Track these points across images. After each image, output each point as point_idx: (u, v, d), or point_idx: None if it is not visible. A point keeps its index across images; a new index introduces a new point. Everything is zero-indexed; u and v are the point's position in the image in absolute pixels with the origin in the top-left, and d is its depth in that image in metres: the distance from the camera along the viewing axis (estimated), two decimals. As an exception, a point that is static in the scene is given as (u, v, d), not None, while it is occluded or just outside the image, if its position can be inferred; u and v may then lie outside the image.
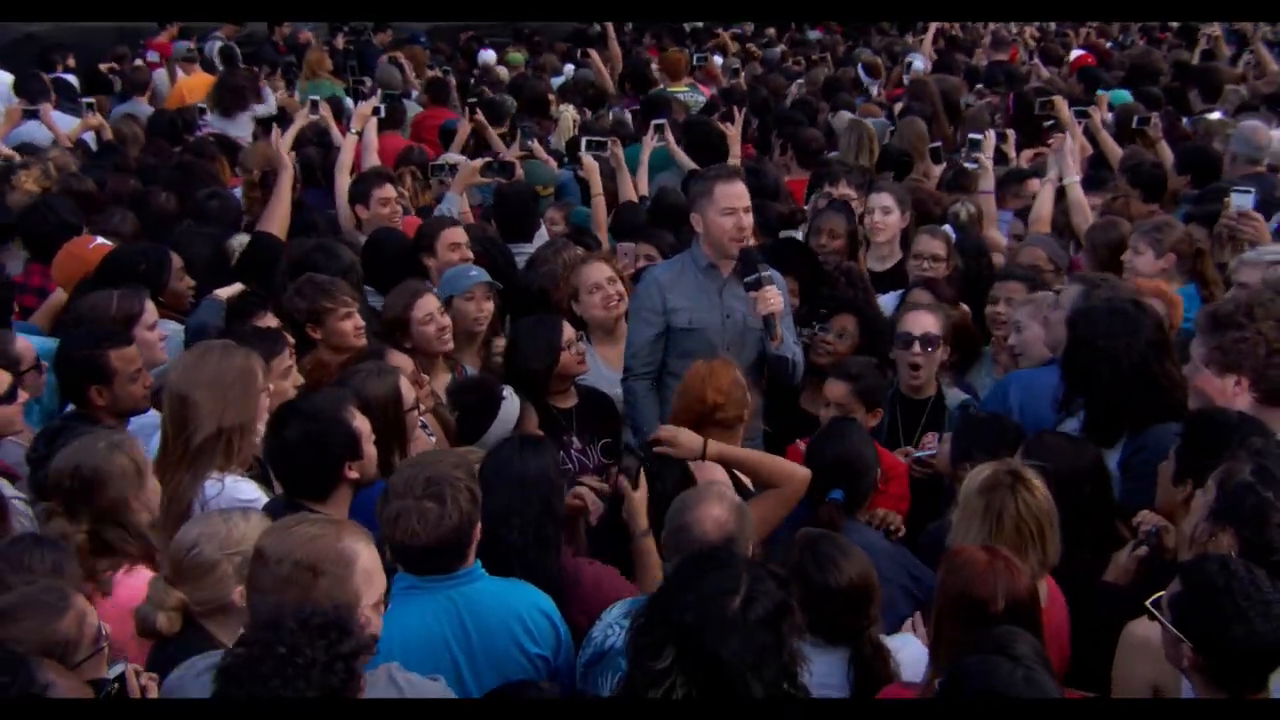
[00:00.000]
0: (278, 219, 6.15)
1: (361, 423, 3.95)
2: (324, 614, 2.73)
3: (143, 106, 11.61)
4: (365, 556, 3.10)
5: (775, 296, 5.10)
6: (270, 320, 4.97)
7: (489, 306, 5.69)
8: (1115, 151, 8.45)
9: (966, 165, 7.57)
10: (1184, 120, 10.15)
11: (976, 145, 7.52)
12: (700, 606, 2.92)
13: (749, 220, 5.27)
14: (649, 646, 2.93)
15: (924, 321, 5.28)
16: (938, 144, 9.16)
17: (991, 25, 15.85)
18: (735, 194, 5.25)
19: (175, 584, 3.39)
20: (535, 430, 4.76)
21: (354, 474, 3.90)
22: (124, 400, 4.53)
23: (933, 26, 14.68)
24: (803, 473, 4.34)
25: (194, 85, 12.15)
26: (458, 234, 6.23)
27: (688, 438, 4.34)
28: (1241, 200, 5.99)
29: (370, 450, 3.96)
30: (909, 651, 3.64)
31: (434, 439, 4.96)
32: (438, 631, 3.50)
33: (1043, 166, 7.90)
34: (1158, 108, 9.75)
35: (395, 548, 3.47)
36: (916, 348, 5.23)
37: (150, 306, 5.01)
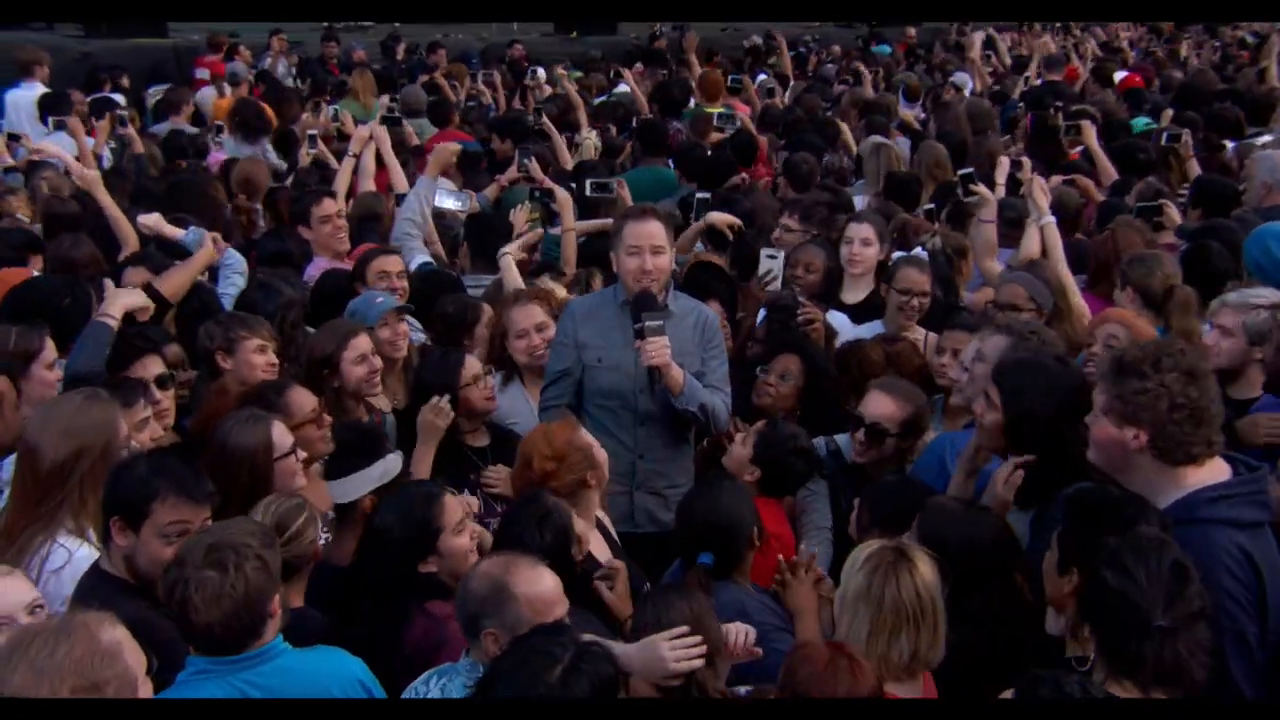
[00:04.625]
0: (175, 281, 5.77)
1: (162, 511, 3.59)
2: None
3: (181, 126, 11.69)
4: (119, 633, 2.87)
5: (657, 348, 4.79)
6: (155, 366, 4.75)
7: (404, 330, 5.53)
8: (1109, 172, 8.11)
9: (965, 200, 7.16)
10: (1230, 145, 9.59)
11: (968, 180, 7.10)
12: (518, 673, 2.96)
13: (657, 261, 4.98)
14: None
15: (879, 406, 4.87)
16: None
17: (1045, 43, 15.30)
18: (642, 233, 4.99)
19: None
20: None
21: (121, 540, 3.63)
22: None
23: (977, 43, 14.15)
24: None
25: (226, 106, 12.16)
26: (387, 263, 6.06)
27: None
28: None
29: (151, 541, 3.61)
30: None
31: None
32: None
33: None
34: (1195, 131, 9.24)
35: (178, 625, 3.23)
36: (860, 435, 4.88)
37: (50, 345, 4.80)
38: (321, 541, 4.31)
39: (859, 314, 6.35)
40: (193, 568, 3.18)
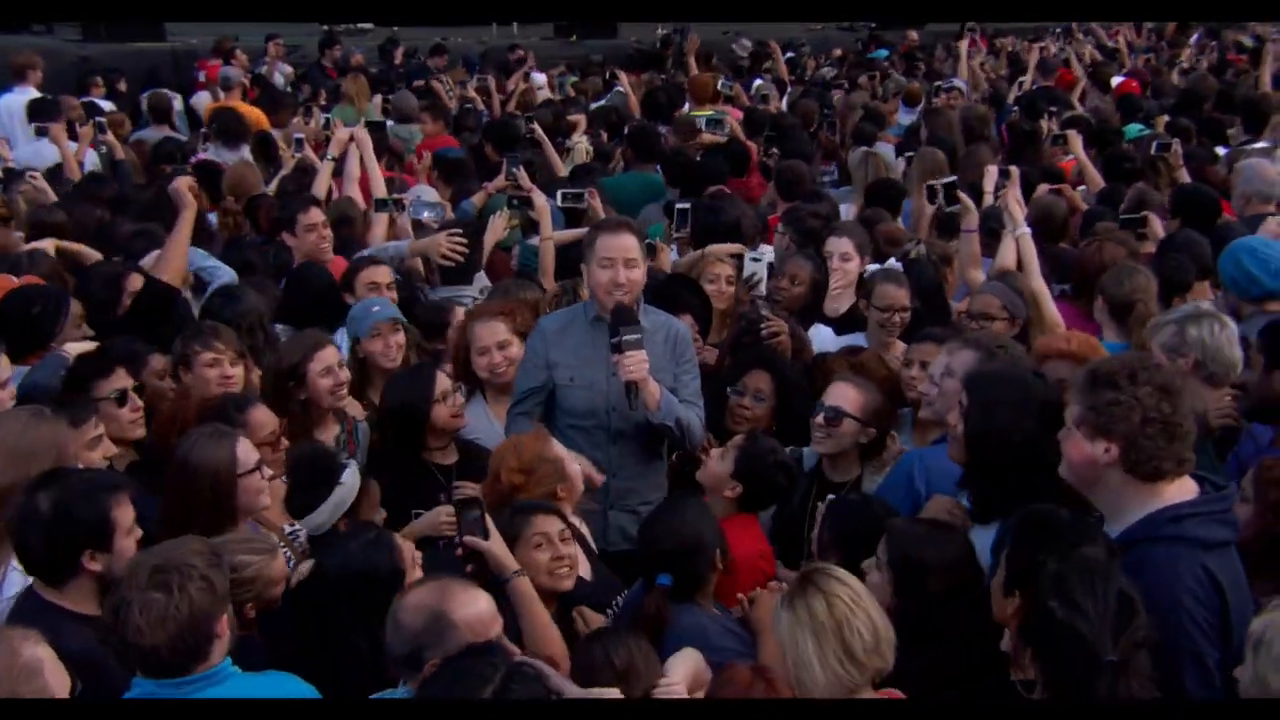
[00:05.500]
0: (171, 264, 5.81)
1: (122, 514, 3.63)
2: None
3: (170, 134, 11.67)
4: (42, 650, 2.87)
5: (635, 363, 4.72)
6: (120, 381, 4.71)
7: (398, 340, 5.48)
8: (1096, 181, 8.01)
9: (947, 210, 7.08)
10: (1222, 152, 9.53)
11: (952, 189, 7.02)
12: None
13: (630, 275, 4.89)
14: None
15: (840, 393, 4.86)
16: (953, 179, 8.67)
17: (1039, 47, 15.21)
18: (615, 246, 4.90)
19: None
20: (374, 508, 4.47)
21: (95, 566, 3.58)
22: None
23: (964, 50, 14.10)
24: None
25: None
26: (377, 273, 6.06)
27: (500, 552, 3.92)
28: None
29: (125, 546, 3.61)
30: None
31: None
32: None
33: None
34: (1187, 141, 9.18)
35: (123, 648, 3.19)
36: (820, 417, 4.85)
37: (4, 363, 4.73)
38: (287, 557, 4.28)
39: (843, 326, 6.30)
40: (136, 589, 3.14)
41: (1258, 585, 3.68)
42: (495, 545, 3.89)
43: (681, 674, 3.49)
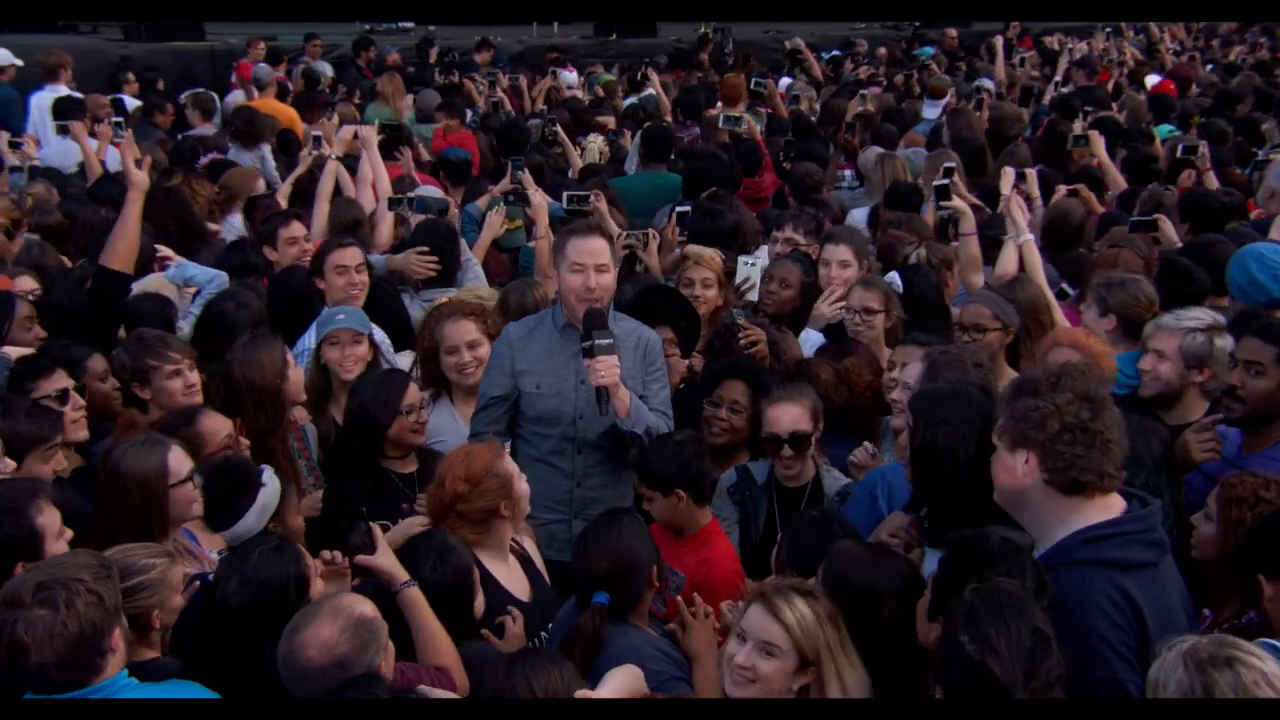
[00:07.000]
0: (119, 250, 5.53)
1: (47, 519, 3.57)
2: None
3: (198, 130, 11.70)
4: None
5: (607, 367, 4.58)
6: (61, 382, 4.65)
7: (356, 352, 5.32)
8: (1118, 182, 7.87)
9: (941, 213, 6.86)
10: (1259, 152, 9.23)
11: (943, 192, 6.81)
12: None
13: (601, 279, 4.75)
14: None
15: (790, 417, 4.74)
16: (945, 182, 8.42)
17: (1078, 47, 14.87)
18: (587, 250, 4.77)
19: None
20: (295, 520, 4.36)
21: None
22: None
23: (999, 45, 13.81)
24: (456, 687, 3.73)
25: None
26: (344, 255, 5.91)
27: (389, 565, 3.83)
28: None
29: (56, 549, 3.55)
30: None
31: None
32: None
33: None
34: (1223, 142, 8.89)
35: (9, 668, 3.06)
36: (787, 450, 4.74)
37: None
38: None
39: (834, 332, 6.13)
40: (21, 607, 3.03)
41: (1225, 605, 3.54)
42: (383, 559, 3.82)
43: (612, 688, 3.37)
